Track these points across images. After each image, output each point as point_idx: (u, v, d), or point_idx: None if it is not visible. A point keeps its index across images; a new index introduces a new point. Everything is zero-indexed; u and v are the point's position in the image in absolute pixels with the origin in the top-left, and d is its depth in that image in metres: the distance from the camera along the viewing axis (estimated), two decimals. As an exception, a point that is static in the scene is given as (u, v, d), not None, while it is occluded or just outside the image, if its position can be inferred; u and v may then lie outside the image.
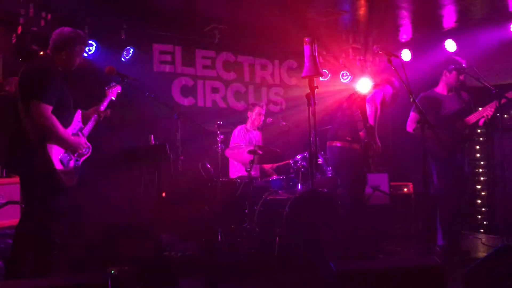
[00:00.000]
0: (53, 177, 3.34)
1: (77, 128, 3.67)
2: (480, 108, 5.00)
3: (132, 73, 4.28)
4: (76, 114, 3.70)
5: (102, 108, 3.97)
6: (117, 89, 4.21)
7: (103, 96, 4.11)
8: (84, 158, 3.68)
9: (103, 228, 4.90)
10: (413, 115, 5.11)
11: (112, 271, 3.45)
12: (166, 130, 5.24)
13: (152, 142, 5.01)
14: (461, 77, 5.00)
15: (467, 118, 4.95)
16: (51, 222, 3.43)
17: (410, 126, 5.13)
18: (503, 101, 4.77)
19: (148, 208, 4.95)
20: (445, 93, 5.07)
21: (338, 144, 4.68)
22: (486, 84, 4.74)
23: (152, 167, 4.78)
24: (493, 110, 4.83)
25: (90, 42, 5.60)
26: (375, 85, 4.75)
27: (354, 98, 4.72)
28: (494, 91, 4.75)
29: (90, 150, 3.74)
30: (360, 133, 4.54)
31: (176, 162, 5.11)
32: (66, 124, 3.53)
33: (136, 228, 4.86)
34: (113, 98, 4.14)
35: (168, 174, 4.81)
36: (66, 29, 3.62)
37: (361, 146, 4.53)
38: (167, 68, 6.50)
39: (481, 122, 4.95)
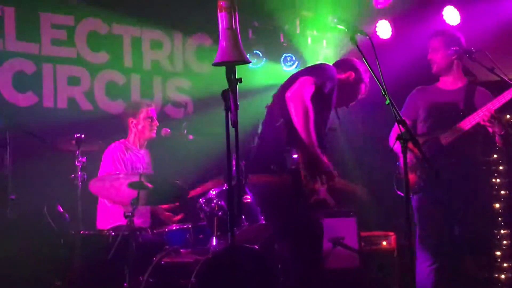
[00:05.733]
0: None
1: None
2: None
3: None
4: None
5: None
6: None
7: None
8: None
9: None
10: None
11: None
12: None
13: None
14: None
15: None
16: None
17: (392, 141, 4.81)
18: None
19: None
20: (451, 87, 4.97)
21: (260, 179, 4.33)
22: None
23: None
24: None
25: None
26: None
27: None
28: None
29: None
30: (293, 155, 4.06)
31: (4, 204, 4.89)
32: None
33: None
34: None
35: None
36: None
37: (291, 176, 4.09)
38: (-9, 42, 5.48)
39: None
